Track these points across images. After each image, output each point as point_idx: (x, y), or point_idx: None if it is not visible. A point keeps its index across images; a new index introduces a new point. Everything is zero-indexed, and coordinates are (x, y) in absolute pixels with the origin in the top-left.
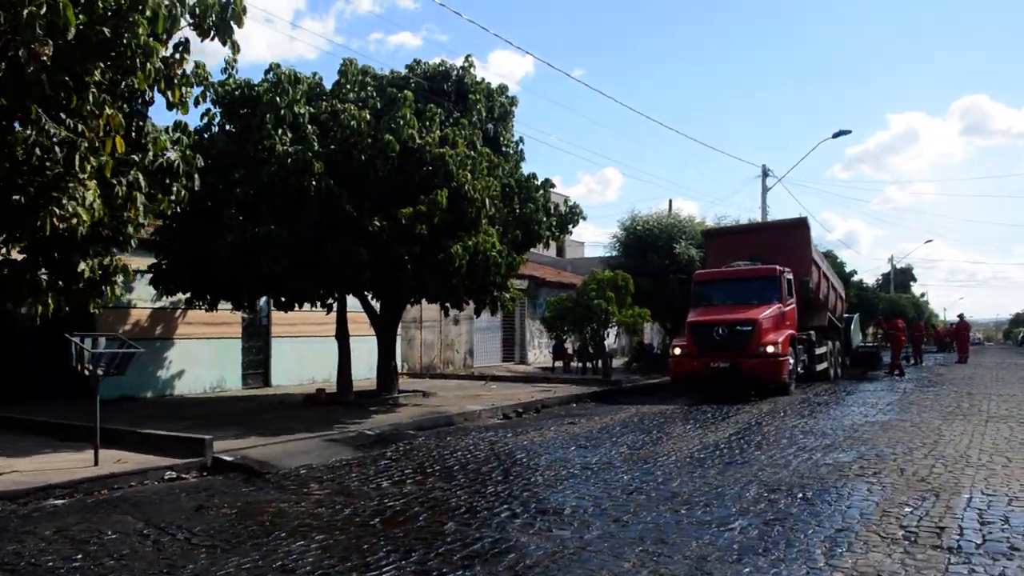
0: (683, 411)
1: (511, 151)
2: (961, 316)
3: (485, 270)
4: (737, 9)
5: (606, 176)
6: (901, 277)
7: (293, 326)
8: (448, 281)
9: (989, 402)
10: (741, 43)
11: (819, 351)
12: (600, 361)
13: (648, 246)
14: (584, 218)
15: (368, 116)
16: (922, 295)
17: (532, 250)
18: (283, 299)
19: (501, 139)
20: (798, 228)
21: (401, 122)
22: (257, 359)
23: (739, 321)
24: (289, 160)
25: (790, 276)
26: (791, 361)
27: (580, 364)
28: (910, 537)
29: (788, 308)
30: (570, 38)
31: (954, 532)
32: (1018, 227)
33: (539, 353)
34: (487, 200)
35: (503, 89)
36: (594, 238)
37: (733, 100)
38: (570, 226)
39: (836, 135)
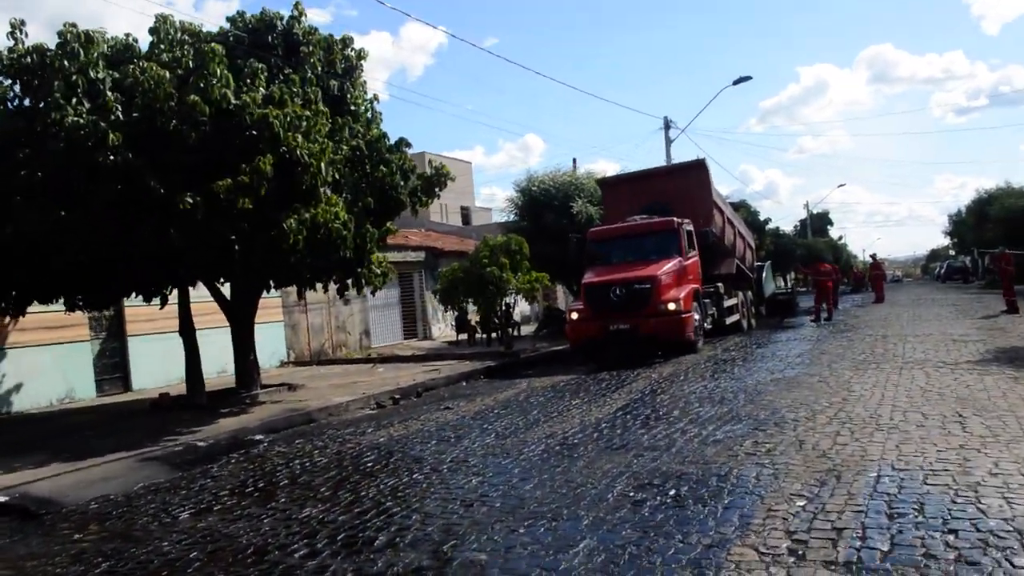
0: (577, 382)
1: (361, 110)
2: (874, 256)
3: (330, 245)
4: None
5: (527, 143)
6: (818, 222)
7: (152, 322)
8: (285, 261)
9: (904, 345)
10: (653, 5)
11: (728, 303)
12: (508, 331)
13: (544, 207)
14: (452, 179)
15: (169, 75)
16: (839, 238)
17: (436, 220)
18: (94, 297)
19: (348, 97)
20: (696, 170)
21: (213, 81)
22: (113, 362)
23: (636, 279)
24: (82, 132)
25: (690, 227)
26: (696, 317)
27: (485, 335)
28: (797, 550)
29: (690, 261)
30: (485, 4)
31: (854, 535)
32: (930, 164)
33: (445, 327)
34: (323, 165)
35: (347, 41)
36: None
37: (645, 60)
38: (437, 190)
39: (736, 82)
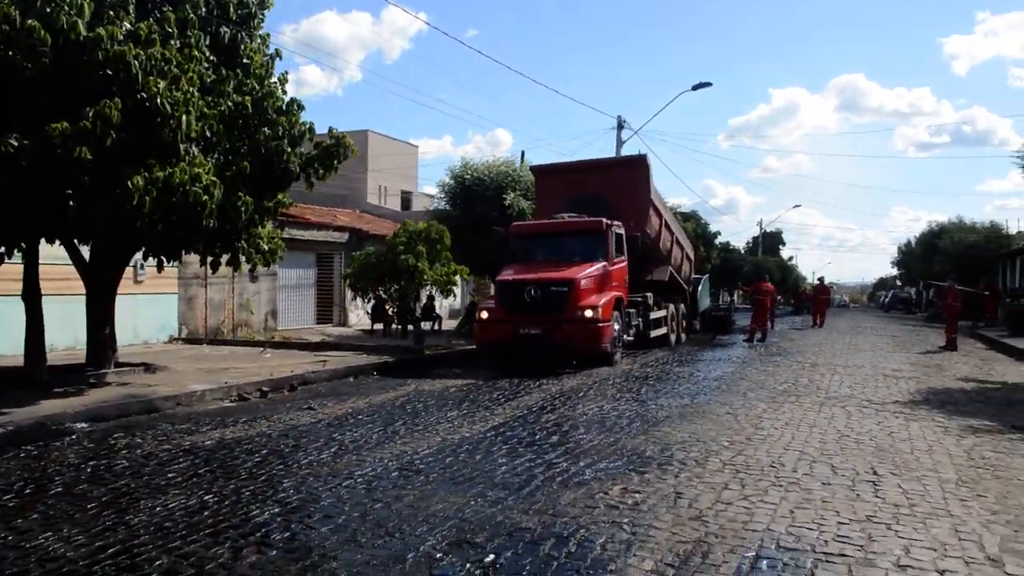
0: (469, 389)
1: (255, 64)
2: (821, 280)
3: (187, 210)
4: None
5: (497, 137)
6: (770, 241)
7: (19, 282)
8: (130, 224)
9: (832, 376)
10: (633, 22)
11: (656, 315)
12: (420, 324)
13: (477, 197)
14: (354, 153)
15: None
16: (790, 258)
17: (373, 202)
18: None
19: (243, 48)
20: (636, 166)
21: (64, 5)
22: None
23: (553, 281)
24: None
25: (620, 230)
26: (616, 327)
27: (400, 327)
28: None
29: (616, 266)
30: None
31: None
32: (887, 193)
33: (363, 314)
34: (187, 118)
35: None
36: None
37: (619, 68)
38: (335, 162)
39: (696, 87)
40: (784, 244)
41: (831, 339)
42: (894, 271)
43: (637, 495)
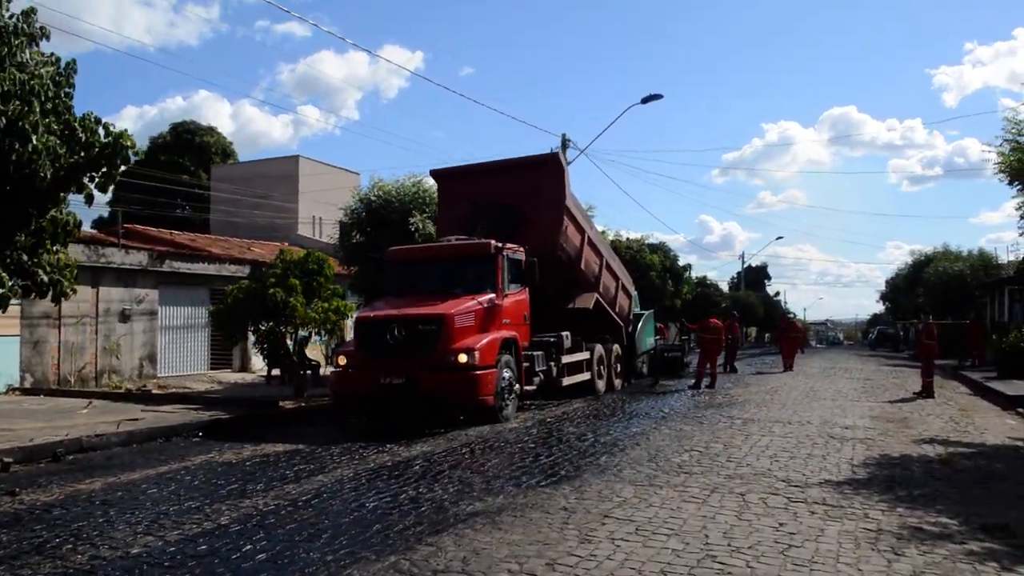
0: (278, 458)
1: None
2: (786, 316)
3: None
4: (612, 21)
5: None
6: (755, 275)
7: None
8: None
9: (761, 438)
10: (626, 53)
11: (573, 358)
12: (318, 370)
13: (382, 220)
14: (137, 155)
15: None
16: (776, 294)
17: (305, 234)
18: None
19: None
20: (548, 167)
21: None
22: None
23: (420, 317)
24: None
25: (517, 254)
26: (506, 375)
27: (303, 373)
28: None
29: (509, 300)
30: (467, 29)
31: None
32: (882, 221)
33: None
34: None
35: None
36: None
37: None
38: (112, 168)
39: (645, 100)
40: (769, 279)
41: (792, 384)
42: (882, 306)
43: None
